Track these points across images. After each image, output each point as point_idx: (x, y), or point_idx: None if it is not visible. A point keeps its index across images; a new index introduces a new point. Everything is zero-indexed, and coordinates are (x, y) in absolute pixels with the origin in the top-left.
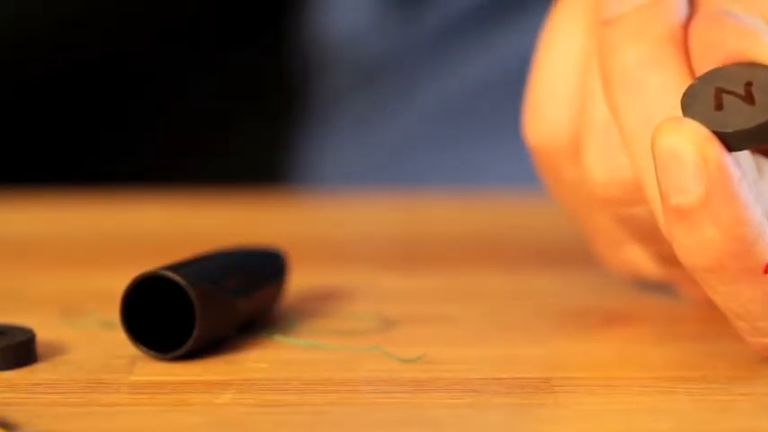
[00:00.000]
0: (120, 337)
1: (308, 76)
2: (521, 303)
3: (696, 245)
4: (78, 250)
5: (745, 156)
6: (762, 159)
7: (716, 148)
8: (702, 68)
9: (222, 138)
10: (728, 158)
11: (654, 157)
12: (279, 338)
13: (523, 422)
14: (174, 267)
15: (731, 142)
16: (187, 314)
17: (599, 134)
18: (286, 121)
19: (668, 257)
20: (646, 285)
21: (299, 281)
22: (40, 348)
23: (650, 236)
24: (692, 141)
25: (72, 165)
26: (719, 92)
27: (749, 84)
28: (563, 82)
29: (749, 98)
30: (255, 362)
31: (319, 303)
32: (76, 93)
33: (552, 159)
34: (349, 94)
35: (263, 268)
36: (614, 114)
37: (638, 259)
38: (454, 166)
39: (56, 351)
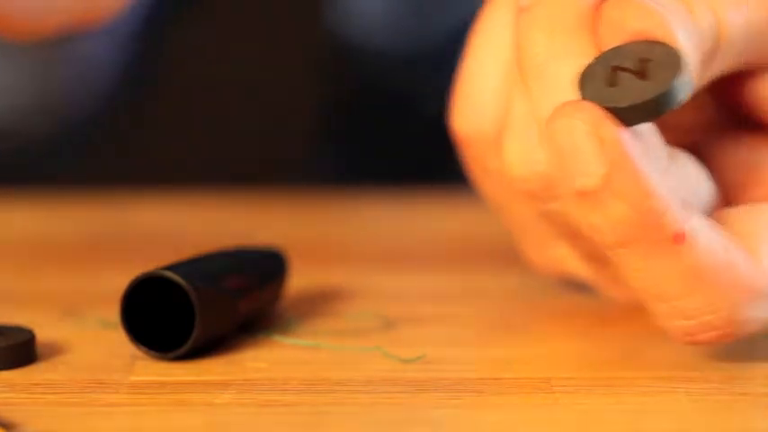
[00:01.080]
0: (119, 337)
1: (312, 75)
2: (520, 303)
3: (607, 223)
4: (78, 250)
5: (655, 143)
6: (670, 147)
7: (610, 126)
8: (605, 48)
9: (222, 137)
10: (625, 134)
11: (552, 144)
12: (278, 338)
13: (523, 422)
14: (174, 267)
15: (625, 117)
16: (187, 314)
17: (519, 128)
18: (288, 121)
19: (592, 255)
20: (572, 285)
21: (299, 281)
22: (39, 348)
23: (572, 232)
24: (585, 122)
25: (72, 165)
26: (615, 69)
27: (644, 60)
28: (491, 74)
29: (643, 73)
30: (255, 362)
31: (319, 303)
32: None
33: (477, 150)
34: (352, 95)
35: (263, 268)
36: (529, 102)
37: (563, 257)
38: (455, 168)
39: (55, 351)
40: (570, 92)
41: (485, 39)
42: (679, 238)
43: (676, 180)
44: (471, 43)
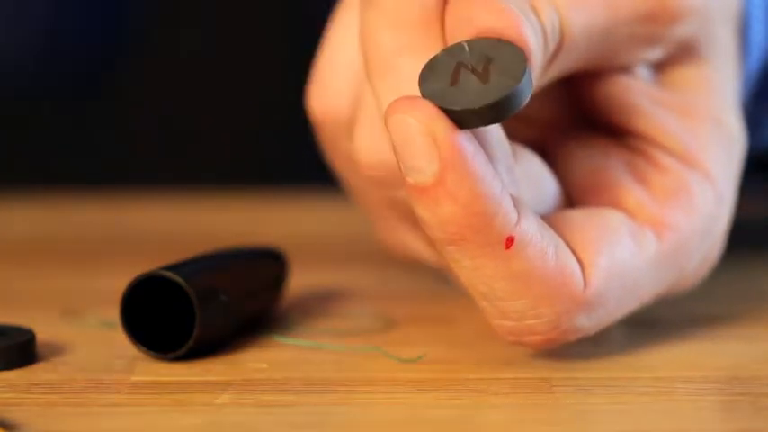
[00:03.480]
0: (120, 337)
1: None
2: None
3: (437, 220)
4: (78, 250)
5: (499, 140)
6: (517, 146)
7: (444, 126)
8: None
9: (222, 136)
10: (460, 136)
11: (390, 137)
12: (279, 339)
13: (523, 422)
14: (174, 268)
15: (460, 120)
16: (187, 314)
17: (369, 115)
18: (288, 119)
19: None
20: (427, 271)
21: (299, 281)
22: (40, 349)
23: (415, 219)
24: (420, 120)
25: (71, 165)
26: (459, 67)
27: (489, 59)
28: (349, 57)
29: (485, 76)
30: (255, 362)
31: (319, 303)
32: (75, 92)
33: (330, 132)
34: None
35: (263, 268)
36: (374, 97)
37: (412, 242)
38: None
39: (56, 351)
40: (413, 87)
41: (343, 25)
42: (508, 242)
43: (518, 179)
44: (330, 28)
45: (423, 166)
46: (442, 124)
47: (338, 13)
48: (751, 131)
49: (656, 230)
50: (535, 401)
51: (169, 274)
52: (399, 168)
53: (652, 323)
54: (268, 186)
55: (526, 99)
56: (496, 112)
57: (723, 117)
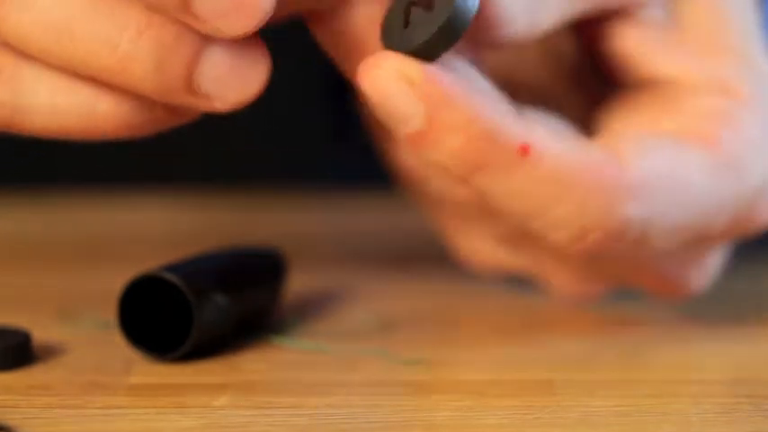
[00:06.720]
0: (117, 338)
1: (313, 71)
2: (522, 304)
3: (449, 158)
4: (76, 251)
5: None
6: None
7: (414, 67)
8: None
9: (221, 136)
10: (432, 69)
11: (370, 101)
12: (277, 340)
13: (525, 424)
14: (172, 268)
15: (426, 53)
16: (185, 315)
17: None
18: (288, 118)
19: (510, 238)
20: (511, 282)
21: (298, 282)
22: (36, 350)
23: (478, 215)
24: (389, 71)
25: (70, 163)
26: (409, 7)
27: None
28: None
29: (430, 5)
30: (253, 364)
31: (319, 305)
32: None
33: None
34: (354, 93)
35: (261, 269)
36: None
37: (488, 248)
38: None
39: (52, 352)
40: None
41: None
42: (525, 150)
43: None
44: None
45: (410, 111)
46: (411, 66)
47: None
48: None
49: (702, 141)
50: (537, 403)
51: (166, 274)
52: (392, 128)
53: (654, 325)
54: (267, 185)
55: (474, 9)
56: (449, 31)
57: (746, 50)
